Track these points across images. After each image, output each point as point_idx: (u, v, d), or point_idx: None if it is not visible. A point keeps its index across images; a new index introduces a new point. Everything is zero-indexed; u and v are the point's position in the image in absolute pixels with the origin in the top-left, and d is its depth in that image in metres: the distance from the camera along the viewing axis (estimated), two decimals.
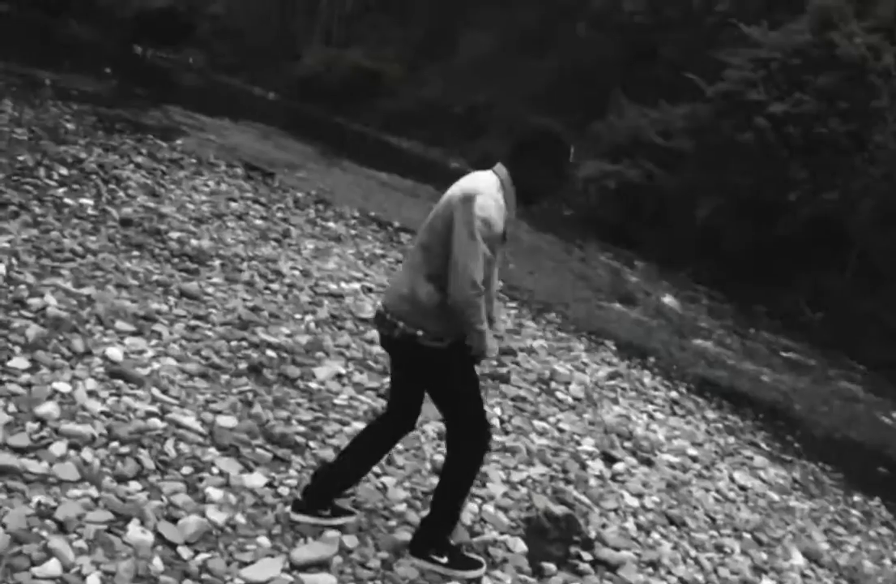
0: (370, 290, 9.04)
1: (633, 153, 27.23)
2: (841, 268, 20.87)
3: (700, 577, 5.13)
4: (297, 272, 8.70)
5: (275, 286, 8.02)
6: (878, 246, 20.39)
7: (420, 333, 4.03)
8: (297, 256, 9.46)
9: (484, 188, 3.96)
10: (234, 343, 6.25)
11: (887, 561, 6.89)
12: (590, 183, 27.84)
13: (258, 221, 10.57)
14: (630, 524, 5.43)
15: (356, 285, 8.97)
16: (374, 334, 7.27)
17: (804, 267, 20.75)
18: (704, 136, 25.02)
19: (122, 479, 4.14)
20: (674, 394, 9.41)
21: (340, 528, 4.29)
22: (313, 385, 5.99)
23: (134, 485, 4.12)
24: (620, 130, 28.44)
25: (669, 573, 5.03)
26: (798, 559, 6.00)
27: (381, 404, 5.87)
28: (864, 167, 22.12)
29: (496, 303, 4.50)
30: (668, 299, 16.80)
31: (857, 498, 8.43)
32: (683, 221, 23.71)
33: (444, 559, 4.25)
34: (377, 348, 6.88)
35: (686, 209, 23.74)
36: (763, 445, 8.99)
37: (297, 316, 7.39)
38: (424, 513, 4.51)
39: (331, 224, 12.22)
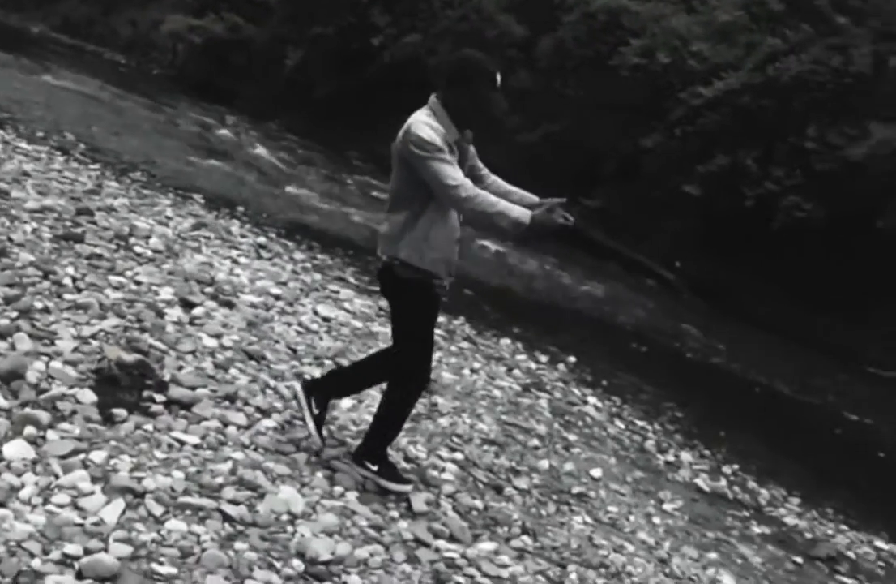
0: None
1: (217, 7, 26.46)
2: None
3: (279, 404, 5.30)
4: None
5: None
6: None
7: (396, 262, 4.41)
8: None
9: (413, 119, 4.27)
10: None
11: (466, 371, 7.43)
12: (175, 39, 26.86)
13: None
14: (207, 364, 5.46)
15: None
16: None
17: (391, 111, 21.25)
18: None
19: None
20: (262, 239, 9.50)
21: None
22: None
23: None
24: None
25: (247, 404, 5.14)
26: None
27: None
28: (443, 10, 22.69)
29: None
30: (260, 151, 16.75)
31: (441, 319, 8.97)
32: (273, 74, 23.53)
33: (375, 468, 4.72)
34: None
35: (275, 61, 23.53)
36: (351, 279, 9.35)
37: None
38: None
39: None
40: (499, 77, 4.30)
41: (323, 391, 4.89)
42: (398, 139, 4.32)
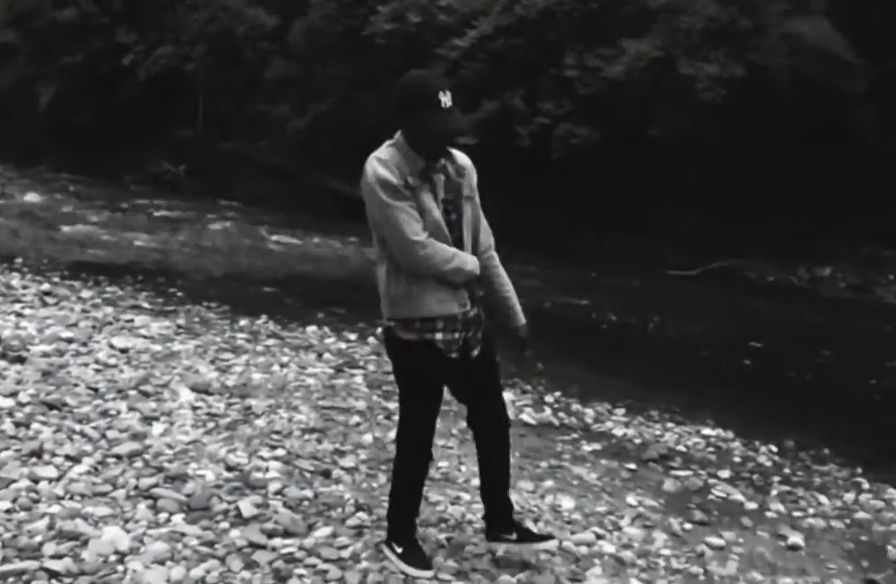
0: None
1: None
2: (191, 118, 21.42)
3: (88, 447, 5.27)
4: None
5: None
6: (217, 89, 21.17)
7: (392, 323, 4.09)
8: None
9: (369, 160, 3.97)
10: None
11: (276, 367, 7.47)
12: None
13: None
14: (7, 425, 5.40)
15: None
16: None
17: (157, 127, 20.99)
18: (29, 20, 24.03)
19: None
20: (45, 286, 9.37)
21: None
22: None
23: None
24: None
25: (55, 455, 5.11)
26: (187, 396, 6.35)
27: None
28: (189, 15, 22.43)
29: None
30: (31, 197, 16.34)
31: (243, 322, 9.04)
32: (28, 114, 22.89)
33: (400, 550, 4.37)
34: None
35: (28, 101, 22.89)
36: (145, 304, 9.30)
37: None
38: None
39: None
40: (443, 96, 3.88)
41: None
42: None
